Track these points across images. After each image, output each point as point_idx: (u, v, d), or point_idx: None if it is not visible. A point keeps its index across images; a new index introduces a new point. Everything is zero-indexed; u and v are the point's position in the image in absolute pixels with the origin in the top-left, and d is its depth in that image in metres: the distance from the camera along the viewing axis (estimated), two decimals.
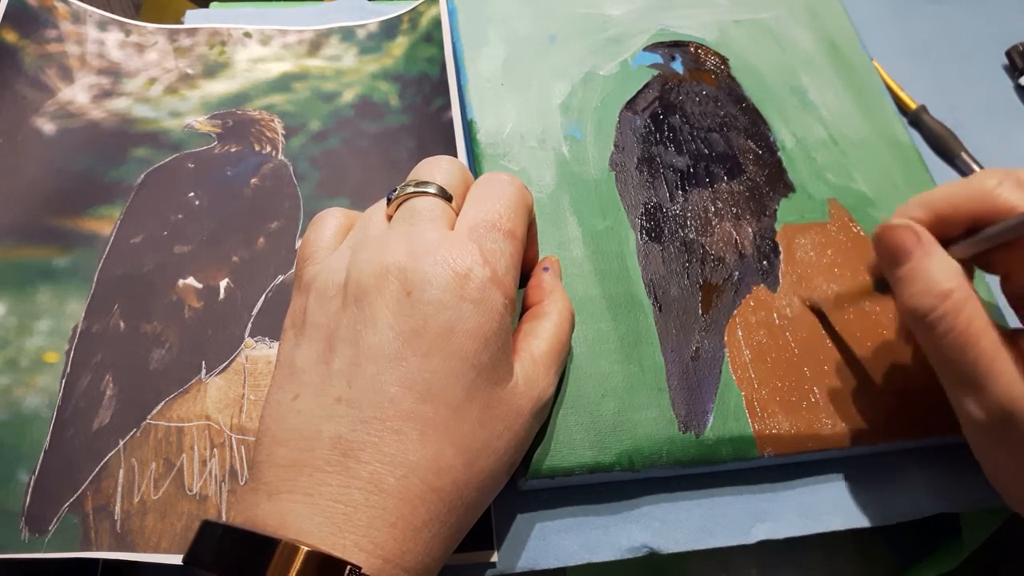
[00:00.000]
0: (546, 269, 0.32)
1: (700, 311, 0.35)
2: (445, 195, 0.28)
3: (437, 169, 0.29)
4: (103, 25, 0.44)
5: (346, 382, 0.24)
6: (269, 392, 0.26)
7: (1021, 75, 0.49)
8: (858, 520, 0.32)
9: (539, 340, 0.29)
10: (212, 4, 0.50)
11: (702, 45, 0.45)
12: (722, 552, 0.32)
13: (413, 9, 0.46)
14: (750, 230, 0.38)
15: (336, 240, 0.29)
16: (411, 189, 0.28)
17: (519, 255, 0.28)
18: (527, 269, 0.33)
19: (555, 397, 0.31)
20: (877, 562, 0.35)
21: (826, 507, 0.33)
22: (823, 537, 0.32)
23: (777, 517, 0.32)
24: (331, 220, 0.30)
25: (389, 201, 0.29)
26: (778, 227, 0.38)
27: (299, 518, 0.22)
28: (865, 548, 0.35)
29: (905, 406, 0.33)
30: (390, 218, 0.28)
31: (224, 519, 0.30)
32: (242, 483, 0.31)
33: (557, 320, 0.30)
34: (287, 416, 0.25)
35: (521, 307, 0.32)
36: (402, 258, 0.26)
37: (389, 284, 0.25)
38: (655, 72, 0.43)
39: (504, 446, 0.26)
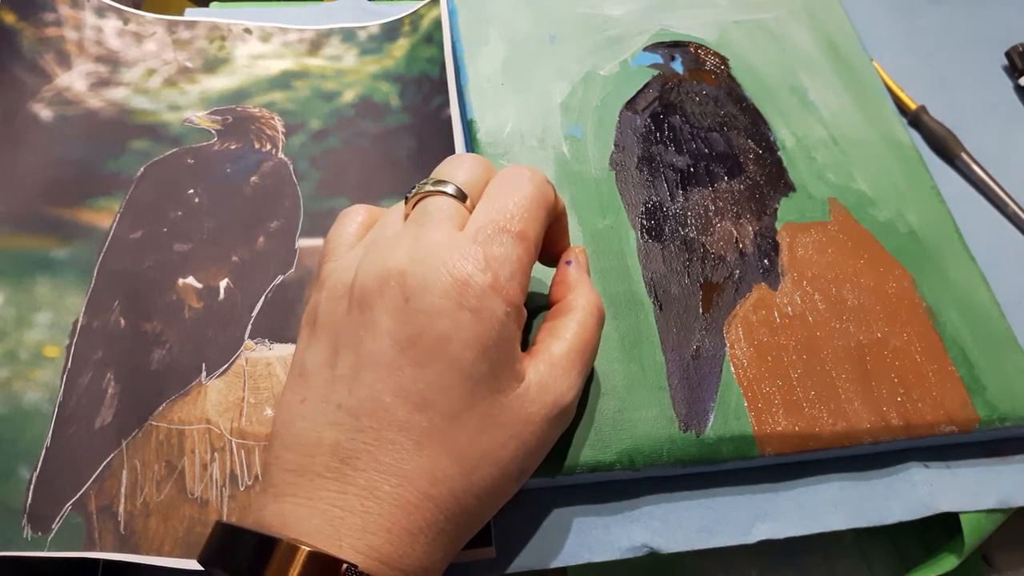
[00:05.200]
0: (569, 263, 0.31)
1: (701, 310, 0.35)
2: (461, 195, 0.27)
3: (459, 167, 0.28)
4: (101, 11, 0.44)
5: (347, 389, 0.24)
6: (282, 392, 0.27)
7: (1021, 76, 0.49)
8: (859, 520, 0.32)
9: (560, 341, 0.28)
10: (212, 3, 0.50)
11: (702, 45, 0.45)
12: (723, 552, 0.32)
13: (414, 12, 0.46)
14: (751, 229, 0.37)
15: (357, 237, 0.29)
16: (428, 187, 0.27)
17: (530, 257, 0.27)
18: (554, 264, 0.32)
19: (581, 399, 0.30)
20: (878, 562, 0.35)
21: (827, 507, 0.33)
22: (824, 537, 0.32)
23: (778, 517, 0.32)
24: (355, 216, 0.30)
25: (407, 200, 0.28)
26: (779, 226, 0.38)
27: (299, 520, 0.23)
28: (866, 548, 0.35)
29: (907, 405, 0.33)
30: (407, 217, 0.28)
31: (224, 519, 0.30)
32: (242, 488, 0.31)
33: (580, 317, 0.28)
34: (294, 420, 0.25)
35: (548, 303, 0.31)
36: (404, 262, 0.25)
37: (390, 289, 0.25)
38: (655, 72, 0.43)
39: (509, 455, 0.25)
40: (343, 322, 0.26)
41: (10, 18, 0.41)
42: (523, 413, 0.25)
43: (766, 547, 0.32)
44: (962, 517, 0.33)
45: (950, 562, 0.33)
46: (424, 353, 0.24)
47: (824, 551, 0.35)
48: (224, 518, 0.30)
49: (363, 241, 0.28)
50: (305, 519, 0.23)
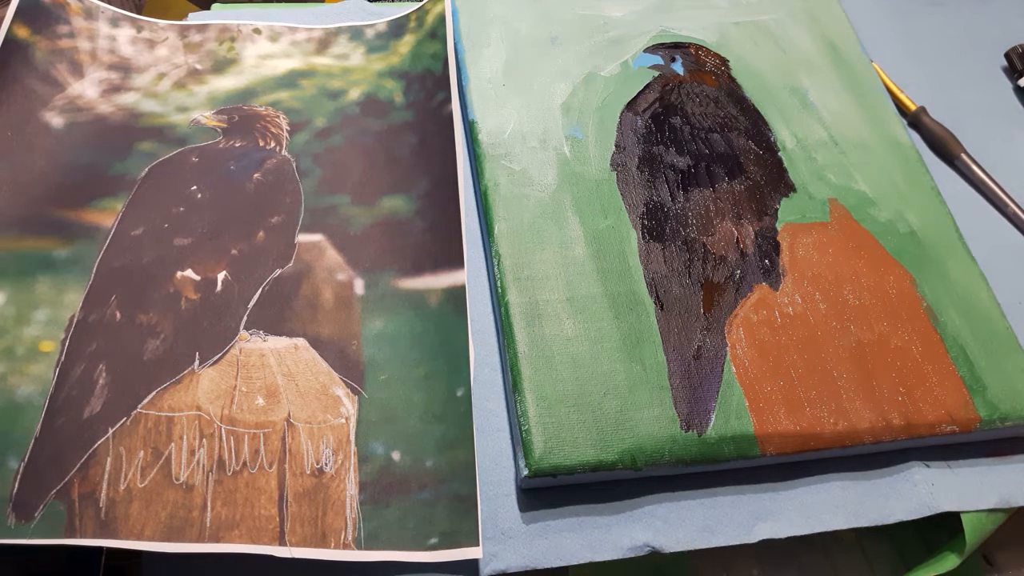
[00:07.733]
0: None
1: (702, 310, 0.35)
2: None
3: None
4: (115, 21, 0.44)
5: None
6: None
7: (1020, 77, 0.49)
8: (860, 520, 0.32)
9: None
10: (214, 6, 0.50)
11: (702, 46, 0.45)
12: (724, 551, 0.32)
13: (420, 7, 0.46)
14: (751, 229, 0.38)
15: None
16: None
17: None
18: None
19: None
20: (878, 562, 0.35)
21: (828, 507, 0.33)
22: (825, 536, 0.32)
23: (779, 516, 0.32)
24: None
25: None
26: (779, 226, 0.38)
27: None
28: (867, 547, 0.35)
29: (908, 405, 0.33)
30: None
31: (208, 508, 0.29)
32: (229, 473, 0.31)
33: None
34: None
35: None
36: None
37: None
38: (656, 73, 0.43)
39: None
40: None
41: (24, 32, 0.42)
42: None
43: (767, 546, 0.32)
44: (963, 516, 0.33)
45: (951, 561, 0.33)
46: None
47: (825, 550, 0.35)
48: (208, 503, 0.30)
49: None
50: None
